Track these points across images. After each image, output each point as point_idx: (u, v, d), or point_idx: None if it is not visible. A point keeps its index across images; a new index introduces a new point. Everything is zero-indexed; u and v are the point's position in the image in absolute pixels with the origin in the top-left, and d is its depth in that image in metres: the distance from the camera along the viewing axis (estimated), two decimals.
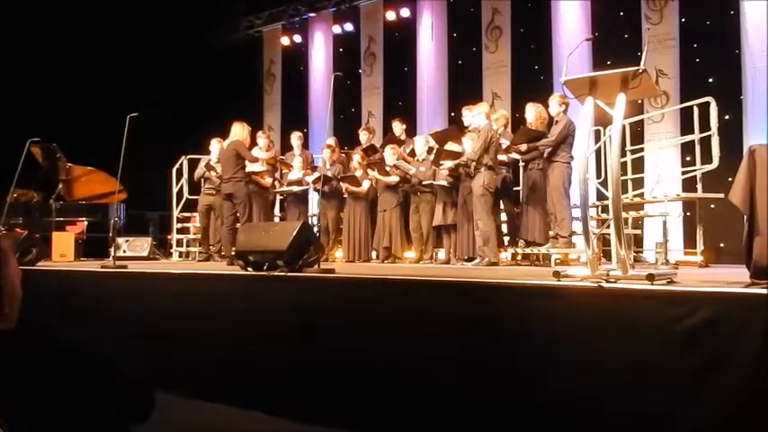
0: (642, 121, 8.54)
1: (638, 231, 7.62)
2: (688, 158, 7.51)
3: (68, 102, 10.44)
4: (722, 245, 7.67)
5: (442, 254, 7.30)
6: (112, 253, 6.24)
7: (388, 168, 7.49)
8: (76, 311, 4.99)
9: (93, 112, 9.79)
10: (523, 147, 6.50)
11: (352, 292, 3.95)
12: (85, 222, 9.00)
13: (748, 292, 2.63)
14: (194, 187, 8.70)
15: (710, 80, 8.57)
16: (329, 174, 7.78)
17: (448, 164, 6.77)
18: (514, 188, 7.20)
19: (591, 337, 2.87)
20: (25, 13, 10.03)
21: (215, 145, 7.98)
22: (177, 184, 9.00)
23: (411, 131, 8.70)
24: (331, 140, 8.50)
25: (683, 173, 7.23)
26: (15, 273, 1.66)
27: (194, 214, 8.84)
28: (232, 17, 13.32)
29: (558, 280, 3.23)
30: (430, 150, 7.33)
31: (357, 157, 7.93)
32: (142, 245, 8.65)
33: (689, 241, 7.79)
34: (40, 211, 8.86)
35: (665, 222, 6.34)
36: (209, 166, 7.95)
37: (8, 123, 9.31)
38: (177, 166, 9.01)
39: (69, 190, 9.39)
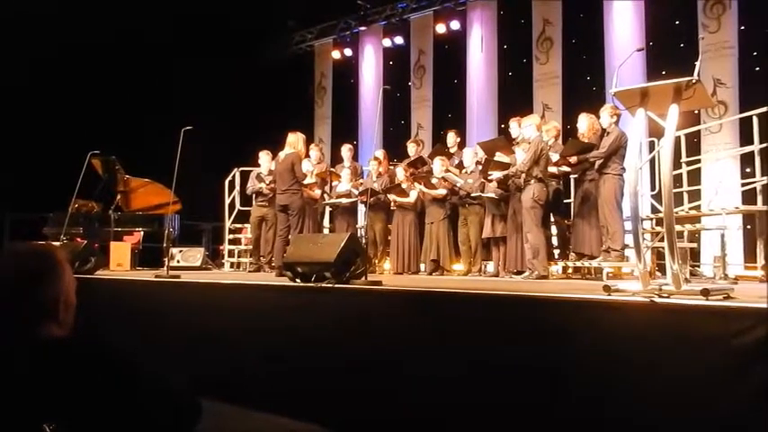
0: (699, 131, 8.29)
1: (695, 245, 7.39)
2: (748, 170, 7.27)
3: (126, 115, 10.81)
4: None
5: (490, 266, 7.23)
6: (166, 263, 6.42)
7: (434, 181, 7.47)
8: (130, 319, 5.13)
9: (150, 125, 10.07)
10: (573, 159, 6.41)
11: (399, 304, 3.94)
12: (142, 232, 9.23)
13: None
14: (246, 199, 8.86)
15: None
16: (375, 186, 7.80)
17: (496, 174, 6.72)
18: (565, 200, 7.08)
19: (641, 354, 2.79)
20: (83, 30, 10.35)
21: (263, 157, 8.18)
22: (230, 195, 9.19)
23: (460, 143, 8.67)
24: (378, 153, 8.53)
25: (743, 185, 6.98)
26: (70, 282, 1.73)
27: (246, 225, 8.98)
28: (284, 32, 13.58)
29: (609, 294, 3.16)
30: (478, 163, 7.29)
31: (401, 170, 7.93)
32: (195, 255, 8.83)
33: (750, 255, 7.52)
34: (100, 221, 9.08)
35: (722, 236, 6.13)
36: (259, 178, 8.09)
37: (70, 137, 9.70)
38: (230, 178, 9.21)
39: (127, 201, 9.62)
